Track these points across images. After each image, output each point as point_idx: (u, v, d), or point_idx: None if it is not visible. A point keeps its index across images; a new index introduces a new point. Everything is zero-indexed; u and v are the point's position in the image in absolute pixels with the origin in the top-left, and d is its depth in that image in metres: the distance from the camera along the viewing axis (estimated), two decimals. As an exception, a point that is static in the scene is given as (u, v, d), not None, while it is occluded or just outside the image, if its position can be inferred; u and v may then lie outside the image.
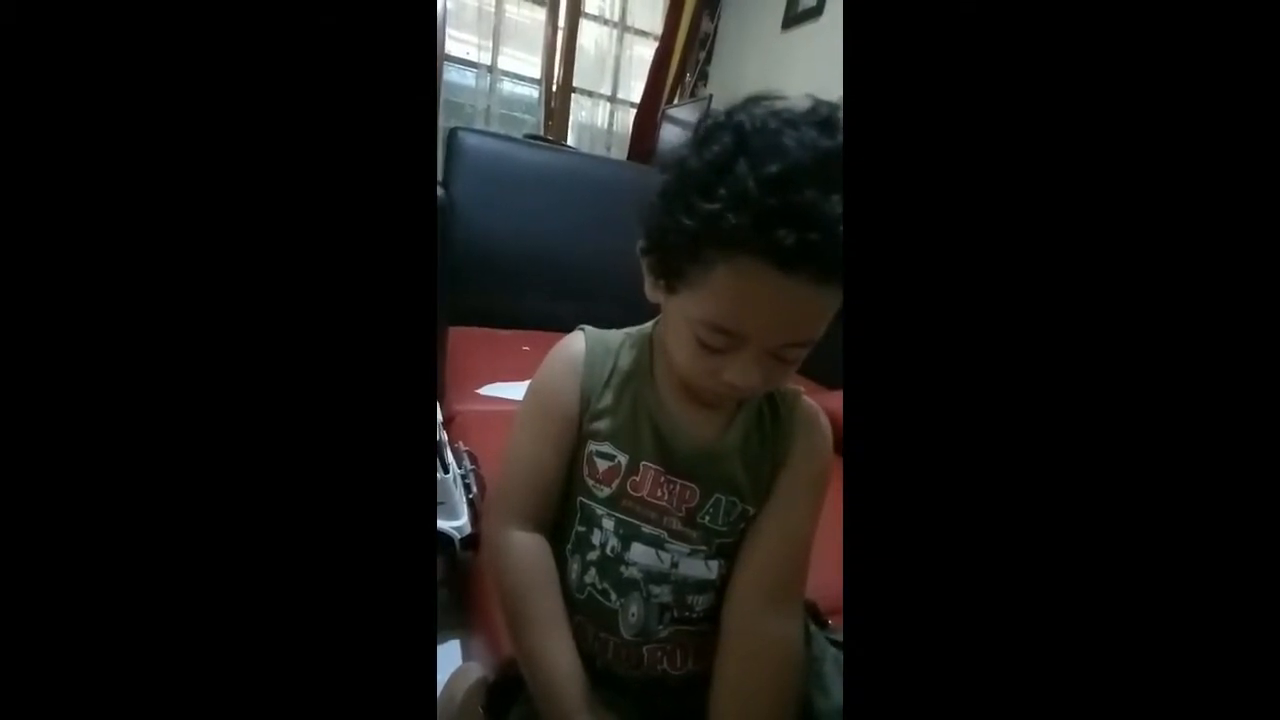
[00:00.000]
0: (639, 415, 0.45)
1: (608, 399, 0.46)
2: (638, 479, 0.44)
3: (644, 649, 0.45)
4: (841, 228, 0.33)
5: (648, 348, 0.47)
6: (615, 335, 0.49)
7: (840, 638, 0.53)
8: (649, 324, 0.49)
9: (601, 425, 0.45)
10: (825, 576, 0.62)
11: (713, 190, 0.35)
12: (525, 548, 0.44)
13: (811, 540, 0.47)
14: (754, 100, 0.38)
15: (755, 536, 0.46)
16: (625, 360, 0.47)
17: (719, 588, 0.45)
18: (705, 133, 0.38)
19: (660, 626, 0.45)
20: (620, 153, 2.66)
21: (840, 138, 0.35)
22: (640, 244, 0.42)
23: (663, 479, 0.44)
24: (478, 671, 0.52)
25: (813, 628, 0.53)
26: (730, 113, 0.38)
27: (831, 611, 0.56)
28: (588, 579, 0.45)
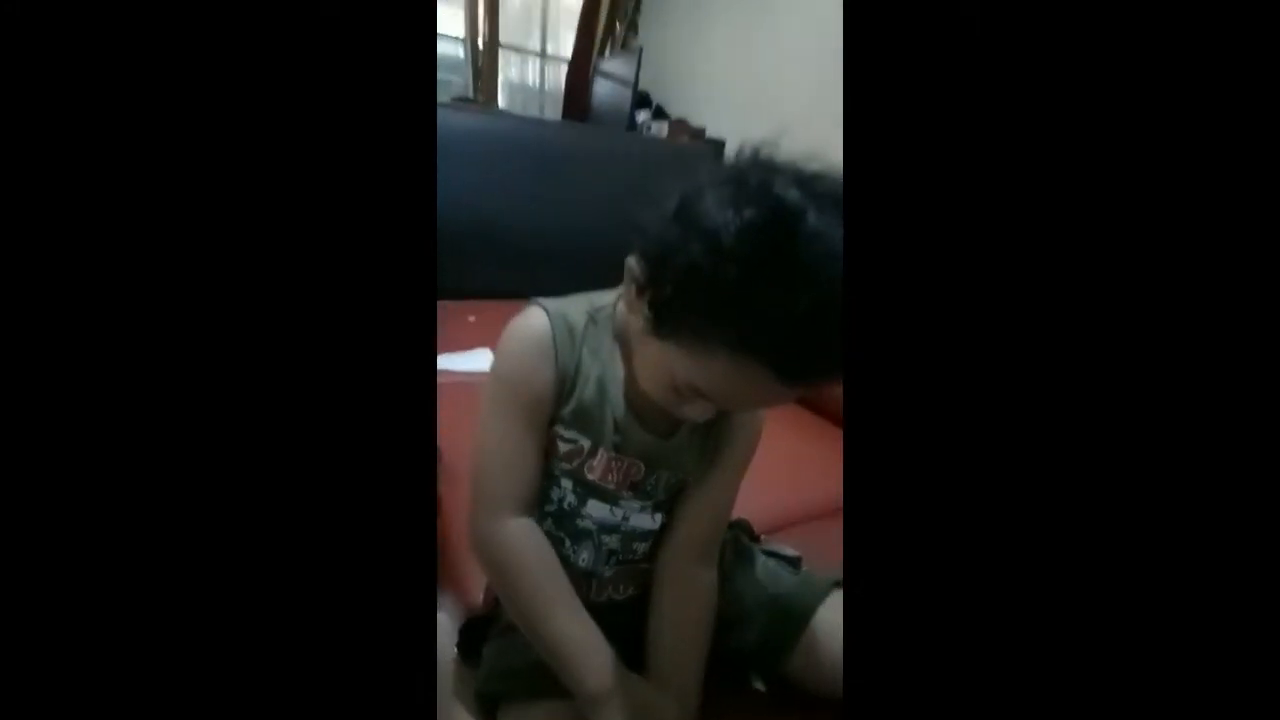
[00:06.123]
0: (604, 405, 0.47)
1: (579, 386, 0.46)
2: (594, 462, 0.48)
3: (593, 581, 0.51)
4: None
5: (610, 330, 0.48)
6: (575, 313, 0.47)
7: (769, 548, 0.61)
8: (608, 297, 0.48)
9: (569, 410, 0.46)
10: (757, 501, 0.70)
11: (743, 296, 0.34)
12: (521, 536, 0.46)
13: (734, 504, 0.53)
14: (794, 168, 0.36)
15: (689, 503, 0.51)
16: (591, 343, 0.47)
17: (658, 536, 0.52)
18: (742, 195, 0.35)
19: (607, 568, 0.51)
20: (554, 110, 2.61)
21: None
22: (636, 266, 0.39)
23: (614, 461, 0.48)
24: (446, 620, 0.58)
25: (746, 541, 0.61)
26: (769, 179, 0.35)
27: (764, 530, 0.64)
28: (545, 527, 0.50)
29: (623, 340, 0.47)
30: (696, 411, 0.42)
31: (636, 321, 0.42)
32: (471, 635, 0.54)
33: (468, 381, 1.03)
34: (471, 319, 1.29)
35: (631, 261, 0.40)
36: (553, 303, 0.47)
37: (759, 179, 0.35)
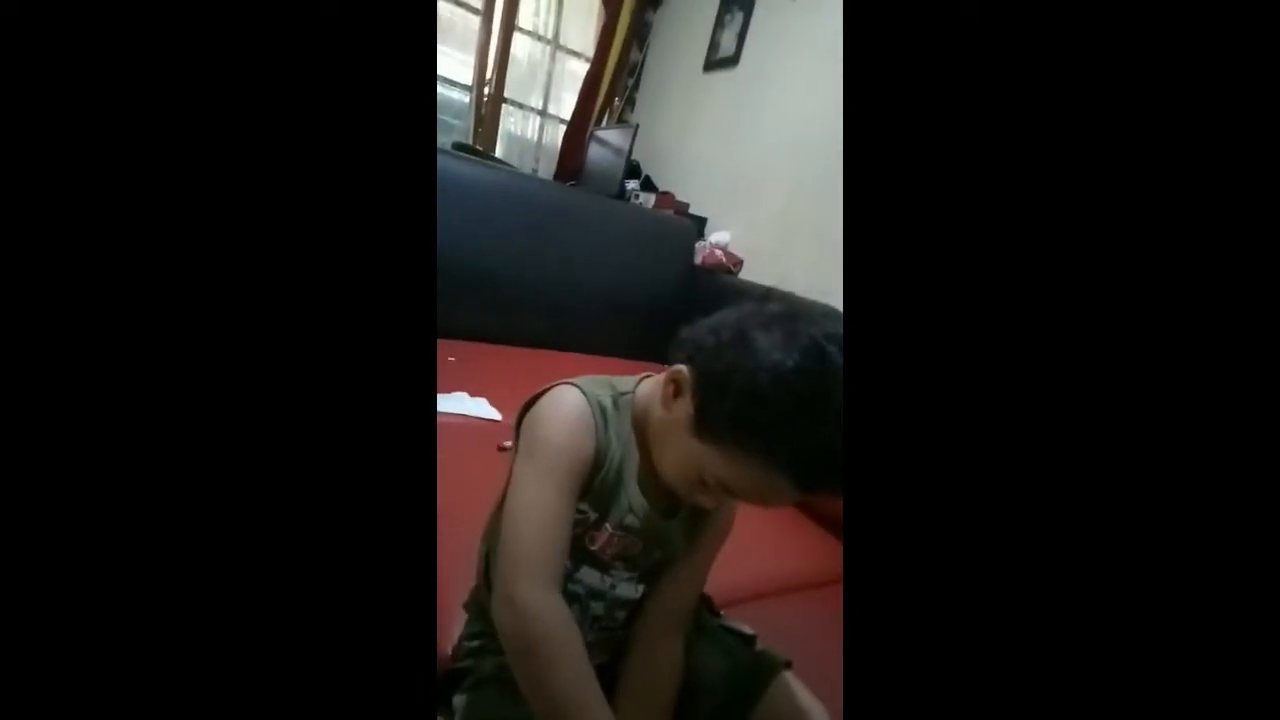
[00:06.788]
0: (620, 484, 0.51)
1: (606, 463, 0.49)
2: (597, 534, 0.51)
3: None
4: None
5: (629, 415, 0.51)
6: (603, 394, 0.51)
7: (726, 624, 0.66)
8: (630, 384, 0.53)
9: (595, 483, 0.49)
10: (716, 578, 0.75)
11: (793, 425, 0.40)
12: (563, 613, 0.45)
13: (706, 580, 0.59)
14: (824, 319, 0.43)
15: (671, 577, 0.56)
16: (615, 425, 0.50)
17: (636, 606, 0.56)
18: (791, 340, 0.42)
19: (590, 633, 0.53)
20: (548, 166, 2.72)
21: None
22: (688, 375, 0.46)
23: (615, 536, 0.52)
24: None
25: (707, 615, 0.65)
26: (816, 331, 0.42)
27: (721, 604, 0.69)
28: None
29: (638, 426, 0.52)
30: (710, 500, 0.48)
31: (667, 417, 0.48)
32: (444, 687, 0.56)
33: (445, 422, 1.05)
34: (451, 359, 1.31)
35: (684, 370, 0.46)
36: (583, 382, 0.51)
37: (804, 329, 0.43)
